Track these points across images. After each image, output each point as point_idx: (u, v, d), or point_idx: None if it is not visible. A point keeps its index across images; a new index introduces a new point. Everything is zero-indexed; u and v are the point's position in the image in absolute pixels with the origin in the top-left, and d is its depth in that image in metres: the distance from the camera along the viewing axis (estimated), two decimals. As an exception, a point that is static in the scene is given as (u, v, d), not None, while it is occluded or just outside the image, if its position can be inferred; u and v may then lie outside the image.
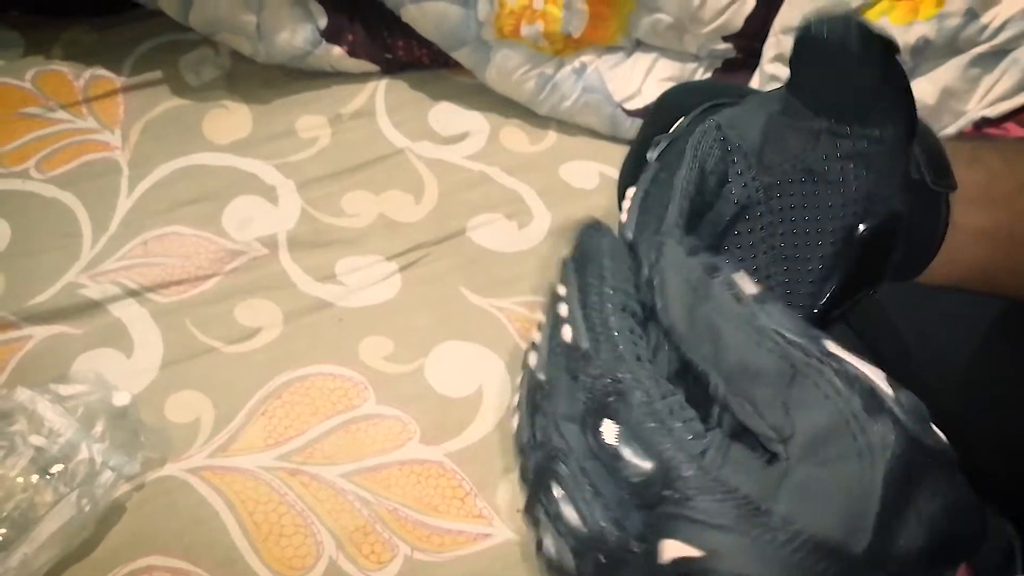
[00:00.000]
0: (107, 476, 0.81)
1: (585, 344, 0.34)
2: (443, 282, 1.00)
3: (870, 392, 0.30)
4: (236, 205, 1.06)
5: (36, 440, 0.82)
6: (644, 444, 0.31)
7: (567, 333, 0.35)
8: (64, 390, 0.86)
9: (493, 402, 0.91)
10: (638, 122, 1.11)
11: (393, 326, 0.96)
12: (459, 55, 1.14)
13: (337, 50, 1.16)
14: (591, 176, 1.11)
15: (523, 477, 0.35)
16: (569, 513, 0.32)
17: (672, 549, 0.30)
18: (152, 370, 0.91)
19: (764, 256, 0.41)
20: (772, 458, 0.31)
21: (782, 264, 0.41)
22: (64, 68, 1.20)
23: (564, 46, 1.11)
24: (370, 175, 1.10)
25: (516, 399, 0.36)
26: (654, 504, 0.31)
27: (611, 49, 1.13)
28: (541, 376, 0.36)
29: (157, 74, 1.20)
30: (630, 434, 0.31)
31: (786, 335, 0.31)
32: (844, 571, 0.29)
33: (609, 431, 0.32)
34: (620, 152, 1.05)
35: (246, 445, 0.87)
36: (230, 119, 1.15)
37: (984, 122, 0.95)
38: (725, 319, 0.32)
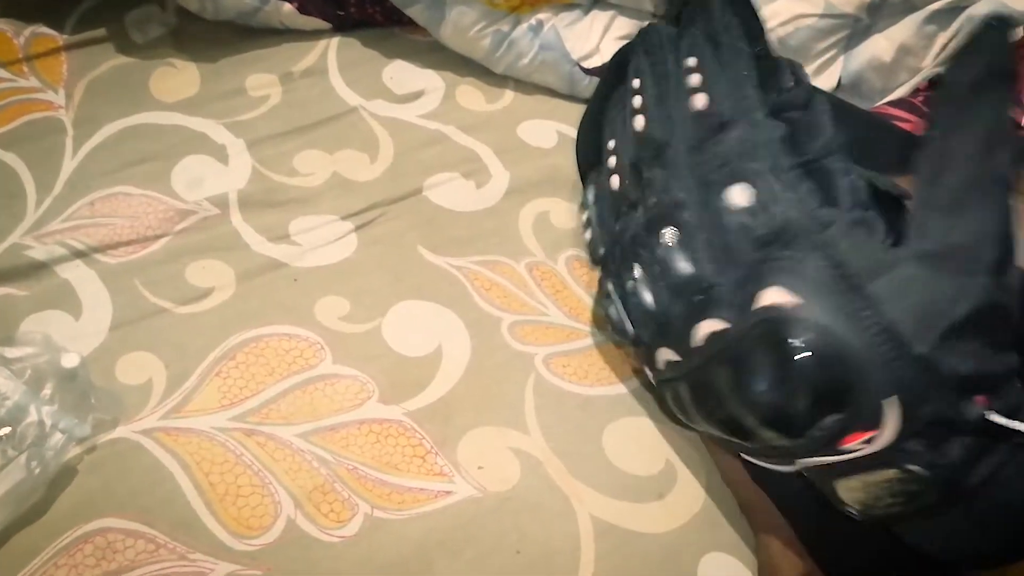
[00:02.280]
0: (57, 438, 0.79)
1: (658, 134, 0.42)
2: (400, 241, 0.98)
3: (1011, 251, 0.36)
4: (185, 165, 1.03)
5: (-18, 403, 0.79)
6: (771, 203, 0.36)
7: (700, 101, 0.42)
8: (10, 352, 0.83)
9: (452, 361, 0.90)
10: (595, 80, 1.10)
11: (349, 286, 0.94)
12: (413, 12, 1.12)
13: (287, 6, 1.13)
14: (549, 135, 1.11)
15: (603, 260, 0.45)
16: (678, 261, 0.39)
17: (772, 295, 0.36)
18: (102, 332, 0.89)
19: None
20: (894, 243, 0.36)
21: None
22: (3, 25, 1.16)
23: (520, 3, 1.09)
24: (323, 134, 1.08)
25: (585, 216, 0.45)
26: (766, 258, 0.36)
27: (568, 6, 1.12)
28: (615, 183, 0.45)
29: (101, 32, 1.16)
30: (758, 195, 0.37)
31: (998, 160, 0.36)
32: (898, 363, 0.34)
33: (738, 192, 0.38)
34: (578, 111, 1.05)
35: (200, 406, 0.85)
36: (177, 77, 1.13)
37: (939, 78, 0.96)
38: (973, 130, 0.37)
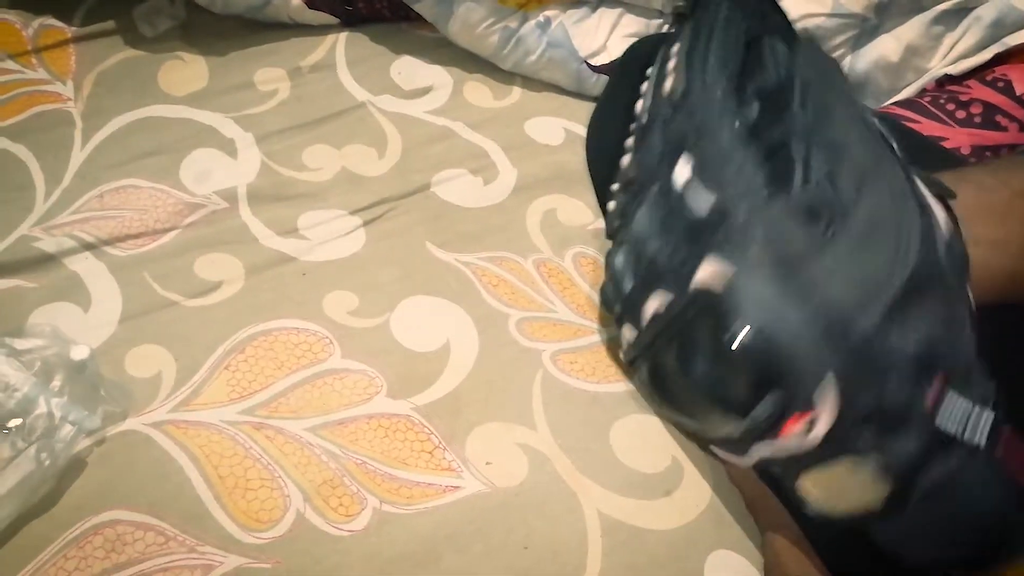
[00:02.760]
0: (67, 430, 0.80)
1: (680, 87, 0.42)
2: (408, 237, 0.99)
3: (929, 217, 0.35)
4: (194, 158, 1.04)
5: (-8, 394, 0.80)
6: (712, 178, 0.36)
7: (667, 85, 0.42)
8: (20, 344, 0.84)
9: (460, 356, 0.90)
10: (603, 78, 1.11)
11: (358, 281, 0.95)
12: (421, 8, 1.12)
13: (296, 1, 1.14)
14: (556, 132, 1.11)
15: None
16: (634, 221, 0.39)
17: (709, 268, 0.35)
18: (111, 324, 0.89)
19: None
20: (825, 229, 0.36)
21: None
22: (11, 17, 1.16)
23: (528, 0, 1.10)
24: (331, 129, 1.08)
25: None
26: (705, 232, 0.36)
27: (576, 4, 1.12)
28: (644, 119, 0.45)
29: (110, 24, 1.17)
30: (702, 167, 0.36)
31: (888, 139, 0.36)
32: (835, 340, 0.33)
33: (683, 166, 0.37)
34: (585, 108, 1.05)
35: (209, 399, 0.85)
36: (186, 71, 1.13)
37: (947, 79, 0.96)
38: (842, 106, 0.36)
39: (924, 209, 0.35)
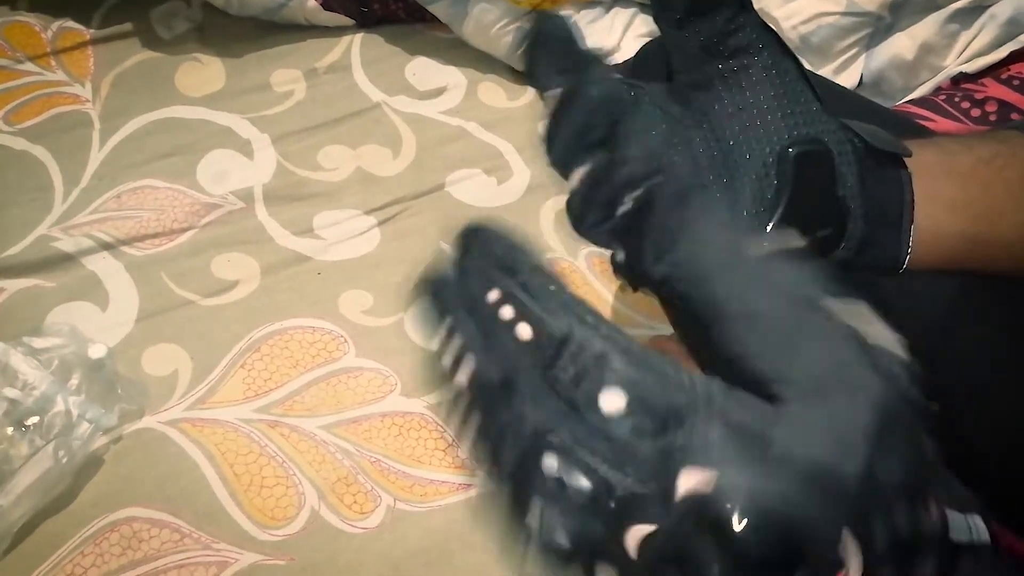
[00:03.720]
0: (84, 428, 0.80)
1: (554, 329, 0.34)
2: (423, 236, 0.99)
3: (867, 347, 0.33)
4: (211, 159, 1.04)
5: (10, 392, 0.81)
6: (646, 398, 0.32)
7: (525, 331, 0.34)
8: (38, 343, 0.85)
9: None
10: (617, 78, 1.11)
11: (372, 280, 0.95)
12: (436, 9, 1.13)
13: (311, 3, 1.14)
14: (570, 131, 1.11)
15: (500, 480, 0.35)
16: (573, 479, 0.32)
17: (687, 478, 0.31)
18: (128, 323, 0.90)
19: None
20: (769, 400, 0.33)
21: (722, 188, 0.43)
22: (31, 19, 1.17)
23: (542, 1, 1.10)
24: (347, 129, 1.08)
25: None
26: (666, 447, 0.32)
27: (589, 4, 1.12)
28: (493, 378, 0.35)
29: (127, 27, 1.17)
30: (631, 392, 0.32)
31: (793, 287, 0.33)
32: (834, 495, 0.32)
33: (609, 397, 0.32)
34: (599, 107, 1.05)
35: (225, 397, 0.86)
36: (203, 72, 1.14)
37: (962, 77, 0.96)
38: (735, 268, 0.34)
39: (863, 342, 0.34)
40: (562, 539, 0.33)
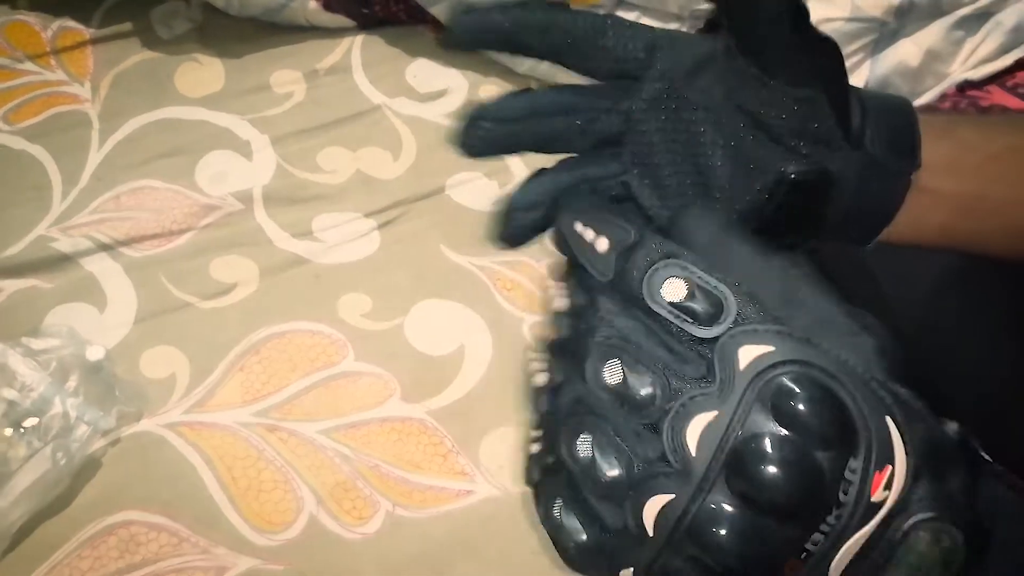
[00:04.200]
0: (82, 430, 0.80)
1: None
2: (422, 240, 0.99)
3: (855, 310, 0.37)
4: (210, 160, 1.04)
5: (8, 394, 0.80)
6: (709, 285, 0.35)
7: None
8: (36, 344, 0.84)
9: (474, 360, 0.90)
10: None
11: (372, 283, 0.95)
12: (436, 10, 1.12)
13: (312, 3, 1.14)
14: (571, 135, 1.10)
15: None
16: (637, 381, 0.35)
17: (747, 353, 0.34)
18: (126, 325, 0.90)
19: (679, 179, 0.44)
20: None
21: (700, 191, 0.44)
22: (31, 19, 1.17)
23: (545, 3, 1.09)
24: (347, 131, 1.08)
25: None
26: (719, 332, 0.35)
27: (591, 7, 1.12)
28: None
29: (127, 26, 1.17)
30: (696, 281, 0.35)
31: (789, 263, 0.37)
32: (872, 384, 0.34)
33: (676, 284, 0.36)
34: (601, 111, 1.05)
35: (223, 401, 0.85)
36: (202, 73, 1.13)
37: (967, 85, 0.95)
38: (742, 251, 0.37)
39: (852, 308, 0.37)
40: (613, 468, 0.35)
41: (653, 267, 0.35)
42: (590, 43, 0.43)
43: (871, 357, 0.34)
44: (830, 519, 0.33)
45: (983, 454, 0.37)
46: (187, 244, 0.96)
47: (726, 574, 0.34)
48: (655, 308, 0.35)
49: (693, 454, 0.34)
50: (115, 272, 0.93)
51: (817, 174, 0.42)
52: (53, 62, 1.12)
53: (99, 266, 0.94)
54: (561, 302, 0.40)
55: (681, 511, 0.34)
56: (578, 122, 0.44)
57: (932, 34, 0.95)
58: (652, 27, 0.43)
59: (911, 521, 0.34)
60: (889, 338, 0.35)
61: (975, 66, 0.94)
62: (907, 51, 0.96)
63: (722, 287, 0.35)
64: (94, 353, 0.84)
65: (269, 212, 0.99)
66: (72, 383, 0.82)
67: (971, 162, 0.47)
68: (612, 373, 0.35)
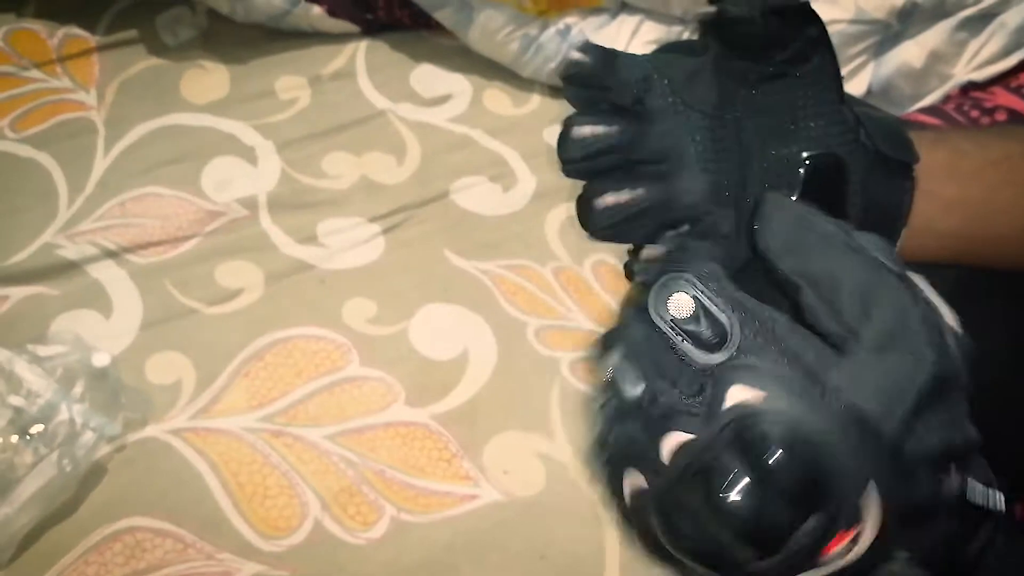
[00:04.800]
0: (88, 437, 0.80)
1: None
2: (427, 245, 0.99)
3: (933, 314, 0.34)
4: (215, 166, 1.04)
5: (14, 400, 0.80)
6: (717, 310, 0.35)
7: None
8: (42, 351, 0.85)
9: (478, 365, 0.90)
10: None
11: (376, 288, 0.95)
12: (441, 15, 1.13)
13: (316, 9, 1.14)
14: (575, 139, 1.10)
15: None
16: (626, 384, 0.35)
17: (736, 394, 0.34)
18: (131, 331, 0.90)
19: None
20: (836, 350, 0.35)
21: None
22: (37, 26, 1.17)
23: (548, 7, 1.10)
24: (351, 136, 1.08)
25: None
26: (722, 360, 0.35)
27: (596, 10, 1.12)
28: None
29: (132, 33, 1.17)
30: (704, 303, 0.35)
31: (874, 253, 0.35)
32: (868, 446, 0.33)
33: (683, 301, 0.36)
34: (605, 115, 1.05)
35: (229, 407, 0.86)
36: (208, 79, 1.14)
37: (971, 86, 0.95)
38: (822, 241, 0.36)
39: (931, 310, 0.36)
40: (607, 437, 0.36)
41: (664, 279, 0.36)
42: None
43: (918, 384, 0.34)
44: (771, 555, 0.33)
45: (991, 502, 0.37)
46: (192, 250, 0.96)
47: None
48: (656, 322, 0.35)
49: (665, 464, 0.35)
50: (121, 279, 0.94)
51: (829, 156, 0.43)
52: (59, 69, 1.13)
53: (105, 273, 0.94)
54: None
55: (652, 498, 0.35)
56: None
57: (935, 35, 0.95)
58: (647, 56, 0.45)
59: (878, 563, 0.34)
60: (953, 361, 0.35)
61: (979, 67, 0.94)
62: (911, 53, 0.96)
63: (729, 313, 0.35)
64: (100, 360, 0.85)
65: (274, 218, 1.00)
66: (78, 390, 0.83)
67: (969, 167, 0.47)
68: (610, 366, 0.37)
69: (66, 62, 1.13)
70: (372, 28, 1.18)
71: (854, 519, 0.33)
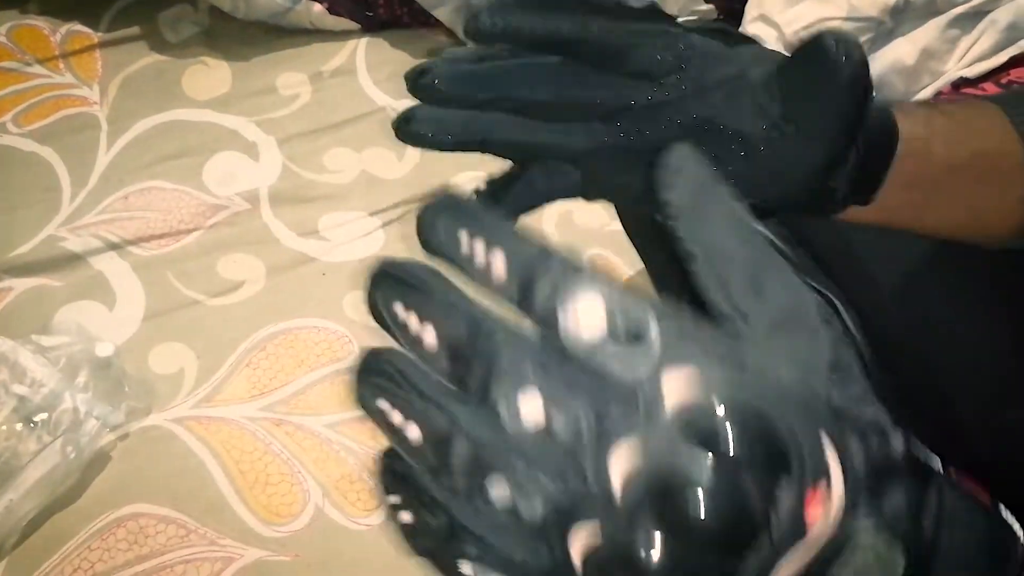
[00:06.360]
0: (91, 425, 0.81)
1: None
2: (426, 238, 1.00)
3: (823, 295, 0.34)
4: (217, 161, 1.05)
5: (19, 389, 0.81)
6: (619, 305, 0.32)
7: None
8: (46, 341, 0.86)
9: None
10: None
11: (377, 281, 0.96)
12: (440, 13, 1.14)
13: (317, 7, 1.15)
14: (573, 135, 1.12)
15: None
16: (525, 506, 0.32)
17: (671, 379, 0.30)
18: (134, 322, 0.91)
19: None
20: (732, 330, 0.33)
21: None
22: (40, 23, 1.18)
23: (547, 5, 1.11)
24: (352, 132, 1.09)
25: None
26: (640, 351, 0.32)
27: None
28: None
29: (135, 30, 1.18)
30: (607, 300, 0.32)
31: (770, 236, 0.34)
32: (811, 407, 0.32)
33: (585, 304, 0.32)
34: (602, 111, 1.06)
35: (231, 396, 0.87)
36: (210, 76, 1.15)
37: (962, 82, 0.96)
38: (722, 214, 0.35)
39: (827, 300, 0.36)
40: (536, 506, 0.32)
41: (563, 288, 0.31)
42: (618, 59, 0.43)
43: (824, 357, 0.33)
44: (757, 542, 0.31)
45: (933, 464, 0.36)
46: (195, 243, 0.98)
47: None
48: (568, 337, 0.31)
49: (615, 484, 0.31)
50: (124, 270, 0.95)
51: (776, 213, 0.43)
52: (62, 65, 1.14)
53: (108, 265, 0.95)
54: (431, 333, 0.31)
55: (607, 543, 0.31)
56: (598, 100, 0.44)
57: (927, 33, 0.96)
58: (685, 33, 0.43)
59: (853, 541, 0.33)
60: (847, 336, 0.34)
61: (970, 64, 0.96)
62: (903, 50, 0.97)
63: (644, 310, 0.31)
64: (103, 350, 0.86)
65: (276, 211, 1.01)
66: (81, 379, 0.84)
67: (925, 175, 0.48)
68: (530, 408, 0.31)
69: (69, 58, 1.14)
70: (372, 26, 1.19)
71: (821, 470, 0.32)
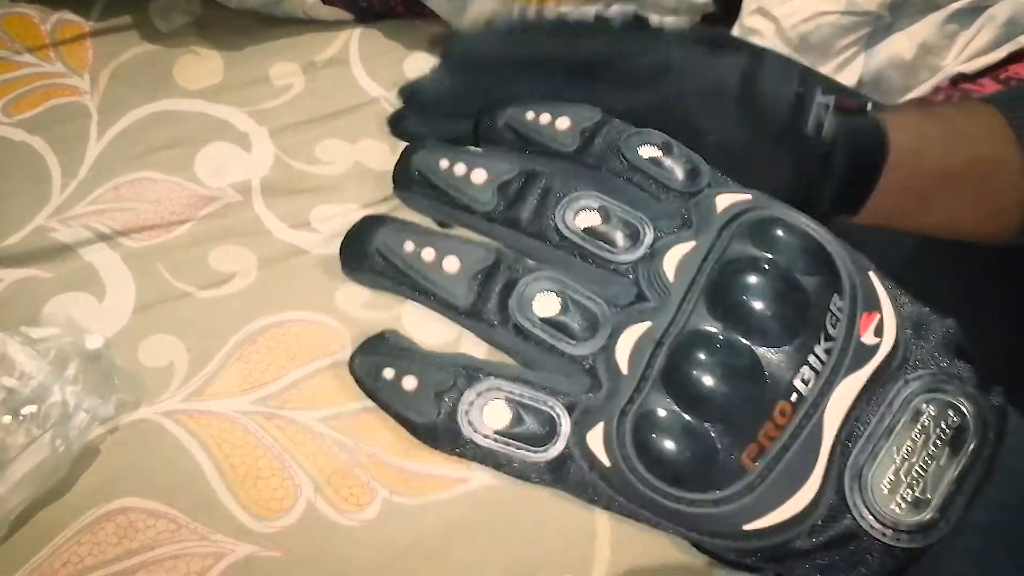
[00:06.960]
0: (81, 418, 0.80)
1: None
2: (420, 231, 0.99)
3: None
4: (208, 151, 1.04)
5: (7, 381, 0.81)
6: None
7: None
8: (35, 333, 0.85)
9: (470, 348, 0.90)
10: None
11: (370, 274, 0.95)
12: (434, 3, 1.13)
13: (311, -3, 1.14)
14: (568, 128, 1.11)
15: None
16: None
17: (724, 200, 0.34)
18: (124, 314, 0.90)
19: None
20: None
21: None
22: (30, 11, 1.17)
23: (542, -4, 1.10)
24: (345, 123, 1.08)
25: None
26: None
27: (590, 1, 1.12)
28: None
29: (126, 19, 1.17)
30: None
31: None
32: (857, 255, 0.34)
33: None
34: (598, 104, 1.05)
35: (221, 389, 0.86)
36: (201, 65, 1.14)
37: (960, 78, 0.96)
38: None
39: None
40: (582, 318, 0.36)
41: (626, 136, 0.37)
42: (600, 71, 0.44)
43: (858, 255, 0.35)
44: (818, 350, 0.30)
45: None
46: (186, 234, 0.97)
47: (711, 410, 0.30)
48: (635, 163, 0.36)
49: (671, 280, 0.32)
50: (114, 262, 0.94)
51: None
52: (52, 54, 1.12)
53: (98, 256, 0.94)
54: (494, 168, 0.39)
55: (658, 337, 0.31)
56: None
57: (926, 27, 0.96)
58: (666, 40, 0.44)
59: (912, 388, 0.31)
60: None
61: (968, 59, 0.95)
62: (901, 44, 0.96)
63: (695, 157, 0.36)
64: (93, 342, 0.85)
65: (268, 203, 1.00)
66: (71, 371, 0.83)
67: (916, 185, 0.48)
68: (583, 218, 0.36)
69: (60, 47, 1.13)
70: (365, 16, 1.18)
71: (872, 302, 0.31)
